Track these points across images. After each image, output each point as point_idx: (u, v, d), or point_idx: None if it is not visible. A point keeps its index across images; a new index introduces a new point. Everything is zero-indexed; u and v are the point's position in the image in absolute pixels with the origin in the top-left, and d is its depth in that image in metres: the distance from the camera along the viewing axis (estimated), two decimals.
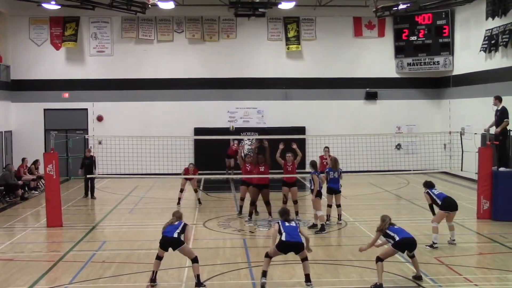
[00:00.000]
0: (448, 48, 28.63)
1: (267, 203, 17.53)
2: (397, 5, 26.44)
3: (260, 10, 27.51)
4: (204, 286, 11.20)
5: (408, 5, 26.39)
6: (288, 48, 29.51)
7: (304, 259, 11.06)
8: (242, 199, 18.35)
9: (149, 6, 25.72)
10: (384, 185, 24.58)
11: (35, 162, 24.56)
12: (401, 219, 17.78)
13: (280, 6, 27.47)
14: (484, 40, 24.73)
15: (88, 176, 21.93)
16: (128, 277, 11.95)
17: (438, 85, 29.83)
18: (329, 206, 16.88)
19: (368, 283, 11.22)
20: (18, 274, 12.17)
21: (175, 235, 11.27)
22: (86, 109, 29.09)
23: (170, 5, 26.71)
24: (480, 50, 24.83)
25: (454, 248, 14.09)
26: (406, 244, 11.23)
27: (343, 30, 29.89)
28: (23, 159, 24.18)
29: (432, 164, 23.22)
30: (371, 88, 29.94)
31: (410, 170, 24.76)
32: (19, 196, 21.98)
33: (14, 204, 21.22)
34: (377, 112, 29.82)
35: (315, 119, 29.26)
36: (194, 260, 11.21)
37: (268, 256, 11.20)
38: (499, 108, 17.87)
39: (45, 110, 28.90)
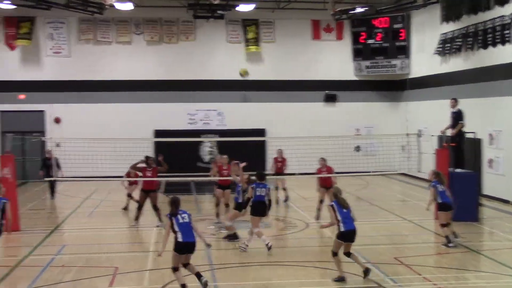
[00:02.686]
0: (404, 51, 29.11)
1: (155, 208, 17.30)
2: (355, 9, 26.75)
3: (218, 12, 27.50)
4: None
5: (366, 8, 26.74)
6: (247, 49, 29.53)
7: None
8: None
9: (107, 7, 25.43)
10: (343, 187, 24.42)
11: None
12: (360, 220, 17.99)
13: (238, 9, 27.54)
14: (439, 44, 25.23)
15: (46, 178, 21.70)
16: (88, 281, 11.80)
17: (395, 88, 30.28)
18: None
19: (329, 284, 11.34)
20: None
21: None
22: (43, 111, 28.57)
23: (129, 6, 26.45)
24: (435, 53, 25.33)
25: (413, 248, 14.33)
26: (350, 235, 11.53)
27: (301, 33, 30.10)
28: None
29: (391, 165, 23.57)
30: (330, 90, 30.20)
31: (369, 172, 25.06)
32: None
33: None
34: (336, 114, 30.07)
35: (275, 121, 29.35)
36: None
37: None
38: (455, 110, 18.25)
39: (1, 112, 28.29)
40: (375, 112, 30.29)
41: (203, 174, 24.96)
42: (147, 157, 17.61)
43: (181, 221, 10.65)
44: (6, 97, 28.18)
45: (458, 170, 18.00)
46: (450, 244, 14.13)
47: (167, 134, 27.43)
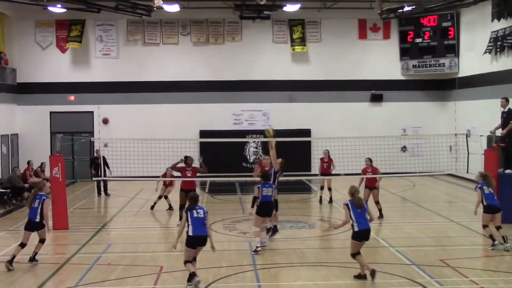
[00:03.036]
0: (453, 50, 28.57)
1: None
2: (402, 7, 26.41)
3: (265, 12, 27.58)
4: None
5: (413, 7, 26.37)
6: (293, 49, 29.47)
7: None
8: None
9: (155, 9, 25.79)
10: (389, 188, 24.51)
11: (41, 165, 24.65)
12: (406, 221, 17.80)
13: (285, 9, 27.55)
14: (489, 42, 24.66)
15: (94, 178, 22.48)
16: (133, 279, 11.96)
17: (443, 87, 29.77)
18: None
19: (373, 286, 11.23)
20: (24, 276, 12.22)
21: (38, 219, 13.05)
22: (92, 111, 29.16)
23: (175, 8, 26.79)
24: (485, 52, 24.76)
25: (460, 250, 14.06)
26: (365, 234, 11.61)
27: (348, 33, 29.87)
28: (29, 162, 24.26)
29: (438, 166, 23.14)
30: (376, 90, 29.91)
31: (416, 172, 24.70)
32: (25, 198, 22.00)
33: (20, 206, 21.27)
34: (383, 114, 29.76)
35: (320, 121, 29.24)
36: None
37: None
38: (505, 110, 17.81)
39: (51, 113, 29.00)
40: (422, 112, 29.84)
41: (247, 174, 25.01)
42: (186, 157, 17.69)
43: (195, 215, 11.20)
44: (56, 98, 28.91)
45: (508, 171, 17.55)
46: (496, 242, 13.85)
47: (212, 135, 27.62)
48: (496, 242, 13.85)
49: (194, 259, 11.36)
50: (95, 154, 23.73)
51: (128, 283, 11.76)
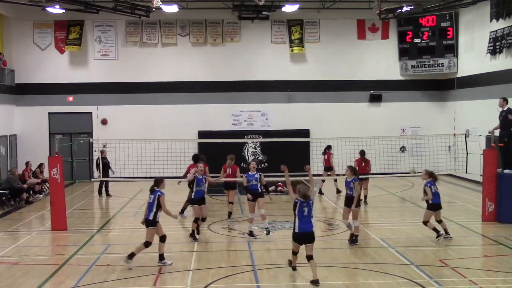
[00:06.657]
0: (452, 50, 28.58)
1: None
2: (401, 8, 26.39)
3: (263, 13, 27.60)
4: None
5: (412, 7, 26.35)
6: (292, 50, 29.48)
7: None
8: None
9: (153, 9, 25.78)
10: (388, 188, 24.55)
11: (40, 166, 24.62)
12: (405, 221, 17.82)
13: (283, 9, 27.56)
14: (489, 42, 24.66)
15: (102, 178, 22.72)
16: (133, 280, 11.96)
17: (442, 87, 29.78)
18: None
19: (372, 286, 11.22)
20: (23, 278, 12.20)
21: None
22: (91, 112, 29.13)
23: (174, 9, 26.78)
24: (487, 53, 24.67)
25: (459, 250, 14.06)
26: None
27: (347, 33, 29.86)
28: (27, 163, 24.22)
29: (437, 166, 23.16)
30: (375, 90, 29.91)
31: (415, 173, 24.67)
32: (24, 199, 22.03)
33: (19, 207, 21.28)
34: (382, 115, 29.75)
35: (319, 121, 29.24)
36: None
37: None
38: (504, 109, 17.83)
39: (49, 113, 28.95)
40: (421, 112, 29.84)
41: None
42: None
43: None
44: (55, 99, 28.89)
45: (507, 171, 17.55)
46: (441, 233, 14.95)
47: (211, 135, 27.62)
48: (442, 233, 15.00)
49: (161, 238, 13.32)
50: (101, 154, 23.28)
51: (128, 284, 11.76)
